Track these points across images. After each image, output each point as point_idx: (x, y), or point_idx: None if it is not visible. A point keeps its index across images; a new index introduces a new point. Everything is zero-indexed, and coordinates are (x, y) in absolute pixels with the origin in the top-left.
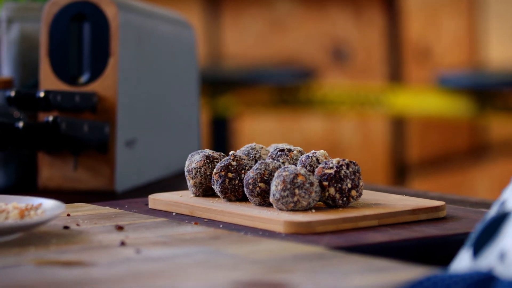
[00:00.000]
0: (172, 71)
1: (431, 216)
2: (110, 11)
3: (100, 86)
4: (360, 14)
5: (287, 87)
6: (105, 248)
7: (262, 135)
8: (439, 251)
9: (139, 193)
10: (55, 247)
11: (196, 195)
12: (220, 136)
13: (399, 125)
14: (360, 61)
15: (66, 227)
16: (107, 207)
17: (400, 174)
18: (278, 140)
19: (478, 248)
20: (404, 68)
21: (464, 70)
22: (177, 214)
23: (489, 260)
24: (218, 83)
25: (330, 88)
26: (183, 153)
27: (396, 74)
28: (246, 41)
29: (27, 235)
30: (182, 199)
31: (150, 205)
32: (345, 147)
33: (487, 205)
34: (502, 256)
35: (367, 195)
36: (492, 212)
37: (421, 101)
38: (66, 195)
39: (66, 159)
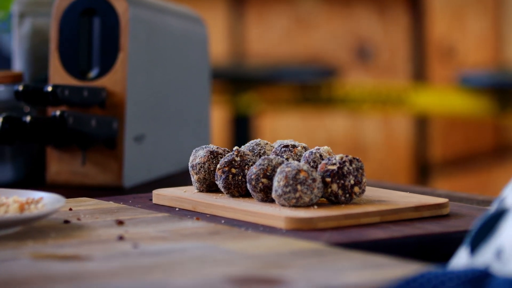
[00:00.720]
0: (183, 67)
1: (434, 214)
2: (120, 6)
3: (109, 81)
4: (385, 13)
5: (310, 85)
6: (103, 243)
7: (284, 133)
8: (440, 248)
9: (146, 188)
10: (53, 241)
11: (200, 191)
12: (242, 134)
13: (422, 124)
14: (384, 60)
15: (66, 221)
16: (110, 202)
17: (423, 174)
18: (301, 139)
19: (475, 245)
20: (428, 67)
21: (488, 69)
22: (180, 209)
23: (486, 257)
24: (241, 81)
25: (354, 87)
26: (192, 150)
27: (419, 73)
28: (270, 39)
29: (27, 229)
30: (185, 195)
31: (154, 200)
32: (368, 146)
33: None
34: (499, 253)
35: (370, 192)
36: (492, 209)
37: (444, 100)
38: (74, 190)
39: (74, 154)
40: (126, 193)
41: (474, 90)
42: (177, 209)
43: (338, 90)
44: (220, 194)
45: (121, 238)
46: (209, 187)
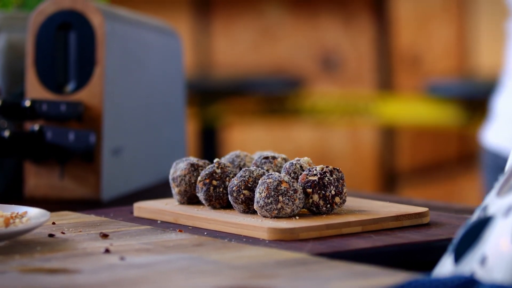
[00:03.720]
0: (159, 80)
1: (414, 222)
2: (96, 20)
3: (86, 95)
4: (350, 23)
5: (277, 96)
6: (89, 256)
7: (251, 145)
8: (422, 257)
9: (125, 201)
10: (39, 254)
11: (181, 203)
12: (210, 146)
13: (389, 134)
14: (350, 70)
15: (51, 235)
16: (92, 215)
17: (390, 183)
18: (268, 150)
19: (460, 254)
20: (395, 77)
21: (454, 78)
22: (162, 222)
23: (470, 265)
24: (207, 93)
25: (320, 97)
26: (169, 161)
27: (386, 83)
28: (237, 50)
29: (12, 243)
30: (167, 207)
31: (135, 213)
32: (335, 156)
33: (471, 212)
34: (483, 261)
35: (351, 202)
36: (474, 217)
37: (411, 109)
38: (52, 204)
39: (52, 168)
40: (105, 206)
41: (441, 99)
42: (159, 221)
43: (305, 100)
44: (202, 206)
45: (107, 251)
46: (190, 199)
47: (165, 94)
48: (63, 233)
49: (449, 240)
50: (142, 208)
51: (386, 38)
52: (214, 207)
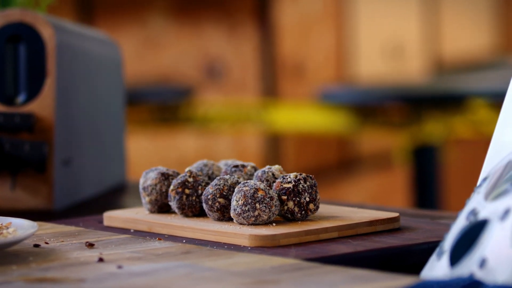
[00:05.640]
0: (104, 91)
1: (387, 227)
2: (46, 32)
3: (37, 106)
4: (234, 31)
5: (161, 106)
6: (86, 265)
7: (135, 154)
8: (401, 261)
9: (77, 210)
10: (35, 265)
11: (152, 212)
12: None
13: (274, 141)
14: (235, 78)
15: (36, 245)
16: (62, 225)
17: None
18: (152, 159)
19: (456, 257)
20: (279, 84)
21: (336, 85)
22: (135, 231)
23: (468, 267)
24: None
25: (206, 105)
26: (112, 170)
27: (271, 91)
28: None
29: (1, 254)
30: (140, 216)
31: (106, 223)
32: None
33: (431, 217)
34: (482, 263)
35: (320, 208)
36: (461, 222)
37: (296, 116)
38: (5, 215)
39: (2, 179)
40: (58, 216)
41: (324, 106)
42: (132, 230)
43: (192, 109)
44: (174, 215)
45: (100, 259)
46: (161, 208)
47: (109, 105)
48: (46, 243)
49: (426, 244)
50: (113, 217)
51: (270, 46)
52: (186, 215)
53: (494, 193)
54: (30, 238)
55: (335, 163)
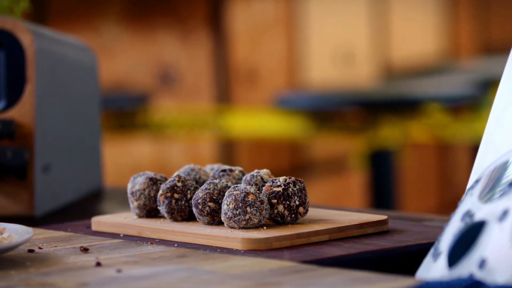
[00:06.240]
0: (80, 97)
1: (376, 230)
2: (25, 39)
3: (17, 113)
4: (188, 38)
5: (116, 112)
6: (84, 269)
7: None
8: (395, 262)
9: (58, 216)
10: (34, 269)
11: (140, 217)
12: None
13: (228, 147)
14: (189, 84)
15: (31, 250)
16: (51, 230)
17: None
18: (107, 166)
19: (454, 258)
20: (233, 91)
21: (290, 91)
22: (125, 235)
23: (467, 268)
24: None
25: (163, 112)
26: (89, 176)
27: (225, 97)
28: None
29: None
30: (129, 221)
31: (94, 228)
32: (174, 168)
33: (421, 220)
34: (482, 263)
35: (309, 212)
36: (456, 224)
37: (251, 122)
38: None
39: None
40: (39, 222)
41: (279, 112)
42: (121, 235)
43: (146, 116)
44: (162, 219)
45: (98, 264)
46: (149, 213)
47: (86, 111)
48: (40, 248)
49: (417, 246)
50: (102, 222)
51: (223, 52)
52: (175, 220)
53: (490, 195)
54: (23, 244)
55: (288, 168)
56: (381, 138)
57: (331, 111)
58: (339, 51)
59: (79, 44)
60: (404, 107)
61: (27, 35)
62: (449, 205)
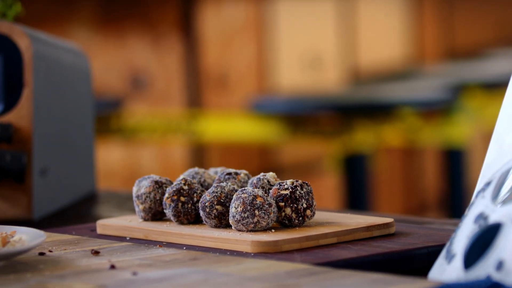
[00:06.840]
0: (76, 101)
1: (383, 233)
2: (23, 43)
3: (15, 117)
4: (159, 43)
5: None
6: (99, 272)
7: None
8: (404, 264)
9: (57, 220)
10: (49, 272)
11: (145, 220)
12: None
13: (199, 151)
14: (160, 89)
15: (41, 254)
16: (57, 233)
17: None
18: None
19: (469, 259)
20: (204, 95)
21: (262, 96)
22: (131, 238)
23: (484, 270)
24: None
25: (130, 117)
26: (84, 179)
27: (196, 101)
28: None
29: (7, 263)
30: (135, 224)
31: (99, 231)
32: (144, 173)
33: (421, 222)
34: (499, 265)
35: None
36: (470, 226)
37: (223, 127)
38: None
39: None
40: (37, 225)
41: (251, 116)
42: (127, 238)
43: (115, 120)
44: (168, 222)
45: (112, 266)
46: (154, 216)
47: (81, 114)
48: (50, 251)
49: (426, 248)
50: (107, 225)
51: (194, 57)
52: (182, 223)
53: (501, 197)
54: (36, 247)
55: (258, 172)
56: (355, 142)
57: (304, 115)
58: (307, 56)
59: (73, 48)
60: (377, 111)
61: (24, 39)
62: (414, 209)
